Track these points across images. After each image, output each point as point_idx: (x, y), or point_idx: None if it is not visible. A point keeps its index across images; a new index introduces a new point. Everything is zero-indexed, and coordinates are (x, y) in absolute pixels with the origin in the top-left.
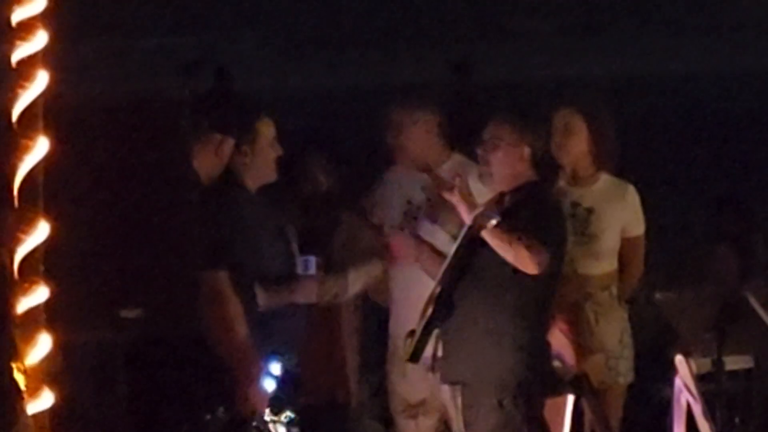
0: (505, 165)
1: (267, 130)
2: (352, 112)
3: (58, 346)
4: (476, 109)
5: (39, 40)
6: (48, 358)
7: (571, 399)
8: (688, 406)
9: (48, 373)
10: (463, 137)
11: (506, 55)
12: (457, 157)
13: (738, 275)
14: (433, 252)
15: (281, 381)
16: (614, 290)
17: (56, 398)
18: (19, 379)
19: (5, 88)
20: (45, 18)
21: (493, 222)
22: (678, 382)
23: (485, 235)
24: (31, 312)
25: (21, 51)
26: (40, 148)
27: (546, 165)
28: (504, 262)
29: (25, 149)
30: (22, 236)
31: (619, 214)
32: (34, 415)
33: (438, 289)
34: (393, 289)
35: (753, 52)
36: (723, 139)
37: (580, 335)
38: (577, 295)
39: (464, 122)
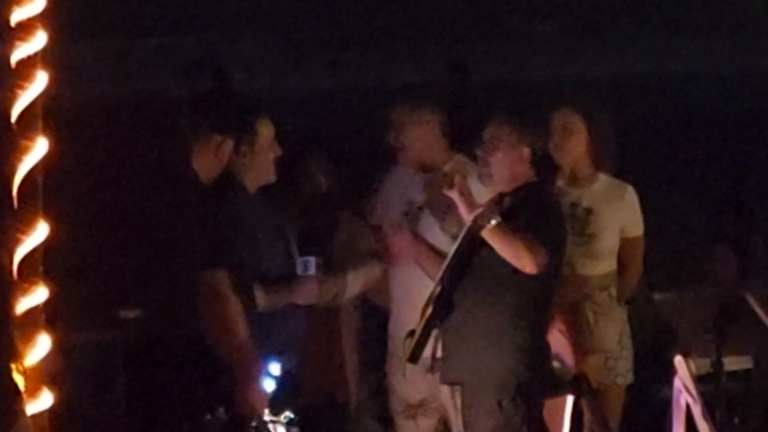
0: (505, 166)
1: (266, 130)
2: (352, 113)
3: (58, 347)
4: (475, 110)
5: (38, 40)
6: (47, 359)
7: (570, 400)
8: (688, 406)
9: (47, 373)
10: (463, 138)
11: (506, 55)
12: (459, 158)
13: (737, 276)
14: (432, 251)
15: (281, 381)
16: (613, 291)
17: (55, 399)
18: (18, 379)
19: (4, 89)
20: (44, 18)
21: (493, 222)
22: (677, 382)
23: (485, 234)
24: (31, 312)
25: (20, 51)
26: (39, 148)
27: (545, 165)
28: (503, 263)
29: (25, 150)
30: (22, 237)
31: (617, 215)
32: (33, 416)
33: (437, 290)
34: (393, 290)
35: (753, 53)
36: (723, 139)
37: (579, 336)
38: (576, 295)
39: (463, 123)
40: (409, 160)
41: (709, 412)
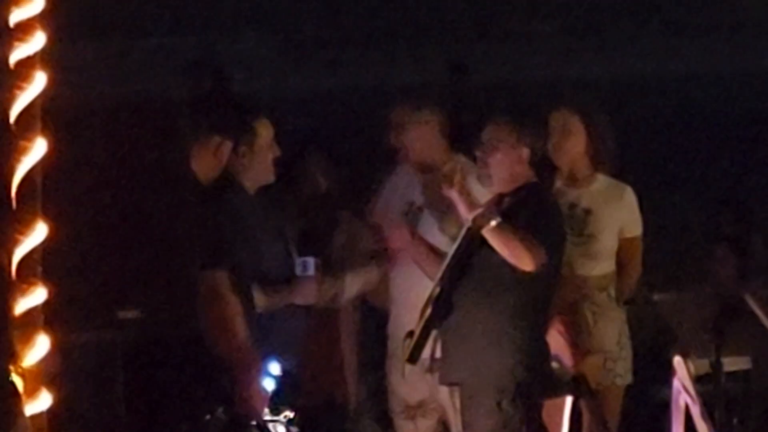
0: (504, 166)
1: (265, 131)
2: (352, 113)
3: (57, 347)
4: (475, 110)
5: (37, 41)
6: (46, 359)
7: (569, 400)
8: (687, 407)
9: (46, 374)
10: (462, 138)
11: (506, 55)
12: (459, 158)
13: (737, 276)
14: (430, 250)
15: (280, 381)
16: (612, 291)
17: (54, 399)
18: (17, 380)
19: (3, 90)
20: (43, 19)
21: (493, 223)
22: (676, 383)
23: (485, 233)
24: (29, 313)
25: (19, 52)
26: (38, 149)
27: (543, 166)
28: (503, 263)
29: (23, 150)
30: (20, 237)
31: (616, 215)
32: (32, 416)
33: (437, 290)
34: (392, 290)
35: (753, 53)
36: (723, 139)
37: (578, 336)
38: (575, 295)
39: (463, 123)
40: (409, 160)
41: (708, 413)
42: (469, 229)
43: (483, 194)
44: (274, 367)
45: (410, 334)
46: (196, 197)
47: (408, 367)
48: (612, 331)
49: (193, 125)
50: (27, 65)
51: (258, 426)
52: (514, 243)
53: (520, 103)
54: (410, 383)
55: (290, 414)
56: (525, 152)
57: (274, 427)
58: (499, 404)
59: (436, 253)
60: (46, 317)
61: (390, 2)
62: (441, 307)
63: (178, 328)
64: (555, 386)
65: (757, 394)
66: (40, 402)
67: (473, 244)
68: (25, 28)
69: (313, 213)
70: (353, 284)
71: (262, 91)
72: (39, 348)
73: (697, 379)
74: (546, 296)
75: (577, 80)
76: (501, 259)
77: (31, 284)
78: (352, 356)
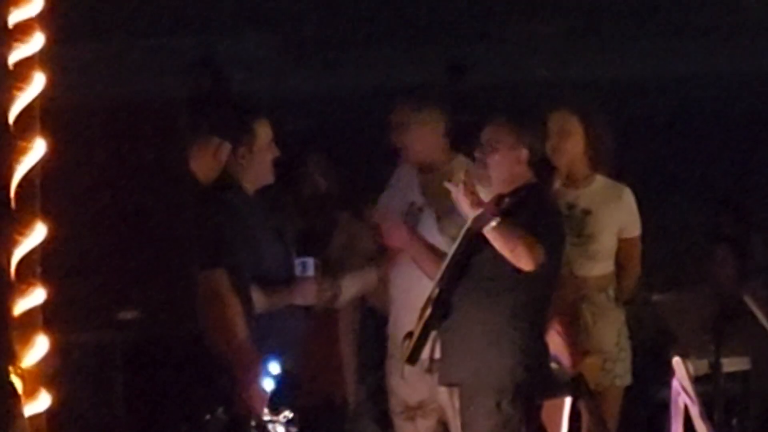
0: (503, 167)
1: (264, 131)
2: (352, 113)
3: (56, 348)
4: (474, 111)
5: (36, 41)
6: (45, 360)
7: (568, 401)
8: (686, 408)
9: (45, 374)
10: (461, 139)
11: (506, 56)
12: (461, 158)
13: (736, 277)
14: (429, 248)
15: (280, 381)
16: (611, 292)
17: (53, 400)
18: (16, 380)
19: (2, 90)
20: (42, 19)
21: (493, 224)
22: (675, 384)
23: (485, 232)
24: (28, 314)
25: (18, 53)
26: (36, 149)
27: (542, 167)
28: (502, 264)
29: (22, 151)
30: (19, 238)
31: (615, 216)
32: (31, 417)
33: (436, 291)
34: (392, 291)
35: (753, 54)
36: (723, 140)
37: (577, 337)
38: (574, 296)
39: (462, 124)
40: (410, 159)
41: (707, 414)
42: (468, 229)
43: (482, 195)
44: (274, 367)
45: (409, 334)
46: (196, 198)
47: (407, 367)
48: (611, 331)
49: (193, 126)
50: (26, 66)
51: (257, 426)
52: (514, 242)
53: (520, 104)
54: (410, 384)
55: (289, 414)
56: (524, 153)
57: (274, 428)
58: (498, 405)
59: (436, 253)
60: (45, 318)
61: (390, 3)
62: (440, 308)
63: (177, 329)
64: (554, 387)
65: (756, 394)
66: (39, 403)
67: (473, 244)
68: (23, 29)
69: (312, 213)
70: (350, 287)
71: (262, 91)
72: (38, 348)
73: (697, 380)
74: (545, 297)
75: (577, 81)
76: (500, 260)
77: (30, 285)
78: (351, 356)
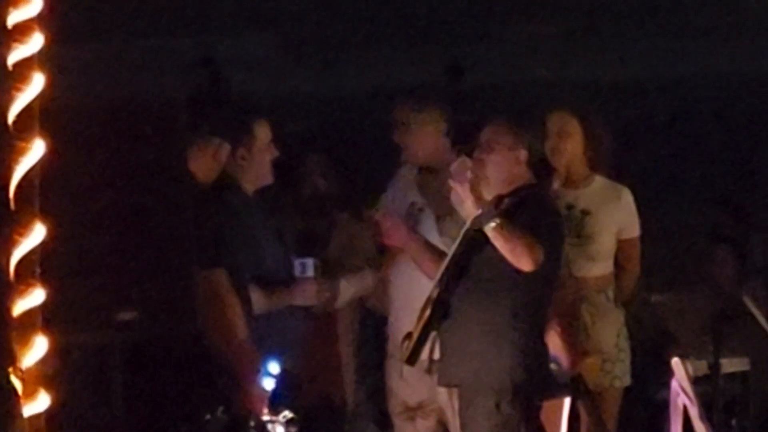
0: (502, 168)
1: (263, 132)
2: (352, 114)
3: (55, 348)
4: (473, 112)
5: (35, 42)
6: (44, 361)
7: (567, 401)
8: (685, 408)
9: (44, 375)
10: (460, 140)
11: (505, 56)
12: (463, 159)
13: (736, 278)
14: (429, 248)
15: (280, 381)
16: (610, 292)
17: (52, 401)
18: (15, 381)
19: (1, 91)
20: (41, 20)
21: (492, 224)
22: (674, 384)
23: (485, 231)
24: (28, 314)
25: (17, 53)
26: (36, 150)
27: (541, 167)
28: (501, 265)
29: (22, 151)
30: (19, 238)
31: (614, 216)
32: (30, 418)
33: (436, 292)
34: (391, 292)
35: (753, 54)
36: (722, 140)
37: (577, 337)
38: (574, 297)
39: (461, 125)
40: (411, 159)
41: (706, 414)
42: (468, 230)
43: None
44: (274, 368)
45: (409, 335)
46: (195, 198)
47: (407, 368)
48: (610, 332)
49: (192, 126)
50: (25, 66)
51: (257, 426)
52: (513, 242)
53: (519, 104)
54: (409, 384)
55: (289, 414)
56: (523, 154)
57: (273, 428)
58: (497, 405)
59: (436, 253)
60: (44, 318)
61: (390, 3)
62: (440, 309)
63: (177, 329)
64: (553, 387)
65: (755, 395)
66: (39, 403)
67: (472, 245)
68: (23, 30)
69: (312, 214)
70: (348, 289)
71: (262, 91)
72: (37, 349)
73: (696, 381)
74: (545, 297)
75: (577, 81)
76: (500, 261)
77: (29, 285)
78: (350, 357)
